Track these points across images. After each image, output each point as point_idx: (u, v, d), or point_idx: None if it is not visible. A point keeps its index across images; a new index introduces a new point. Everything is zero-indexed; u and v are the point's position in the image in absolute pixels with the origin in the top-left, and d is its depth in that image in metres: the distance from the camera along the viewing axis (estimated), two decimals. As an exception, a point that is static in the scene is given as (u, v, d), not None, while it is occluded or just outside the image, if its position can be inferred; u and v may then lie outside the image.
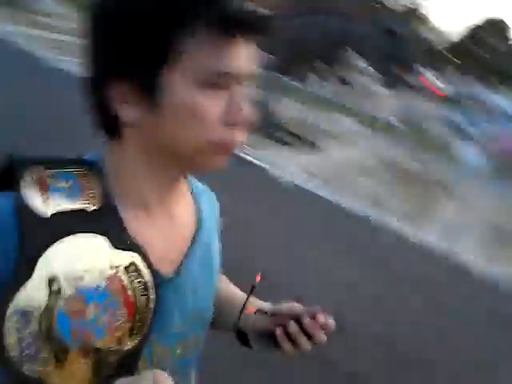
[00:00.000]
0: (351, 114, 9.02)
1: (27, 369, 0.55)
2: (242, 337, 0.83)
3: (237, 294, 0.92)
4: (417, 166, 8.22)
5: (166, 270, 0.68)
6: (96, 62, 0.61)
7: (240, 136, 0.63)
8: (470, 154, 6.33)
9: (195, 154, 0.62)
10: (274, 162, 6.24)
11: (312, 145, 7.57)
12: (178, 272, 0.70)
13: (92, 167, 0.65)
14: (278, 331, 0.76)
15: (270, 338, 0.78)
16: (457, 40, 43.45)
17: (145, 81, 0.58)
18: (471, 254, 5.00)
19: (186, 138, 0.60)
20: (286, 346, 0.76)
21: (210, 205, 0.83)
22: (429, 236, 5.24)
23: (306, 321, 0.74)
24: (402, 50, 9.68)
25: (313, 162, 6.78)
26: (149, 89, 0.58)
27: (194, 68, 0.57)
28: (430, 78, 25.20)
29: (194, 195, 0.79)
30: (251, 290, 0.77)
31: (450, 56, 39.88)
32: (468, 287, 4.27)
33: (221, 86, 0.59)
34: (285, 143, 7.37)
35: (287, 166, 6.30)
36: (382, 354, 2.99)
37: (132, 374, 0.63)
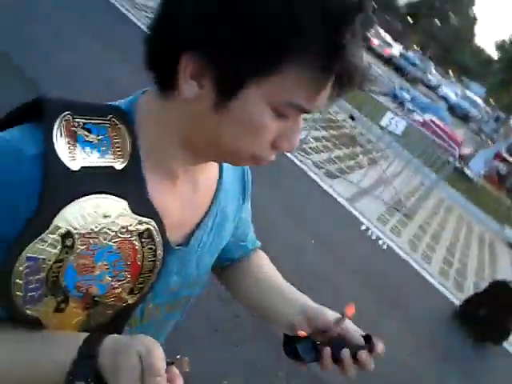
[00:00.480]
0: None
1: (29, 309, 0.57)
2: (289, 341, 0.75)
3: (285, 288, 0.86)
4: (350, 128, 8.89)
5: (177, 237, 0.69)
6: (185, 26, 0.54)
7: (275, 156, 0.64)
8: (394, 123, 6.96)
9: (233, 158, 0.63)
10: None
11: None
12: (187, 241, 0.71)
13: (125, 119, 0.62)
14: (327, 356, 0.71)
15: (312, 349, 0.72)
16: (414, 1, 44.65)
17: (231, 79, 0.55)
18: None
19: (237, 145, 0.60)
20: (329, 365, 0.72)
21: (235, 170, 0.82)
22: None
23: (364, 355, 0.71)
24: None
25: None
26: (229, 88, 0.55)
27: (277, 92, 0.55)
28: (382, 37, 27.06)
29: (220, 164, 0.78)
30: (339, 320, 0.72)
31: (404, 15, 41.35)
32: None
33: (287, 116, 0.58)
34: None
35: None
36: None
37: (123, 326, 0.67)
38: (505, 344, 4.89)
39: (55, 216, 0.54)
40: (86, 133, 0.58)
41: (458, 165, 10.50)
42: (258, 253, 0.98)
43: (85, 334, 0.57)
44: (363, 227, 5.49)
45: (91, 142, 0.58)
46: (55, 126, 0.56)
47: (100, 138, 0.59)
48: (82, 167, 0.56)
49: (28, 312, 0.57)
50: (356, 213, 5.69)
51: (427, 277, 5.42)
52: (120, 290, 0.62)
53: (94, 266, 0.59)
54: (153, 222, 0.62)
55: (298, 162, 5.87)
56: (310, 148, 6.59)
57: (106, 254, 0.59)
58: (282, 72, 0.54)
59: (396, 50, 29.19)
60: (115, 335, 0.57)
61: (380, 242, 5.43)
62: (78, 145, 0.57)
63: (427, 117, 12.87)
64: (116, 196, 0.59)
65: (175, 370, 0.54)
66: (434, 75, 33.72)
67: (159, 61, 0.59)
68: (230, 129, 0.58)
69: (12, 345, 0.59)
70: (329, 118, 8.62)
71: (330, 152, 6.96)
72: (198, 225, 0.73)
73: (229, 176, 0.80)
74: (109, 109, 0.62)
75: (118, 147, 0.60)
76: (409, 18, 40.87)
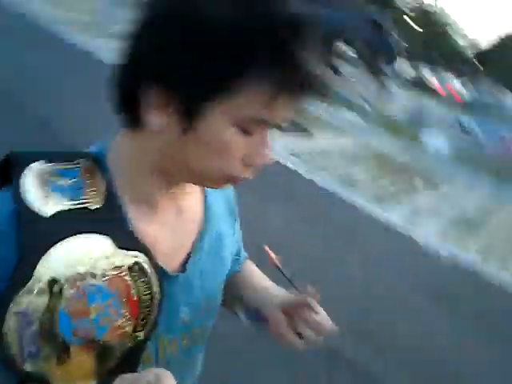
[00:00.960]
0: (341, 104, 9.50)
1: (29, 366, 0.55)
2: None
3: (261, 284, 0.89)
4: (399, 156, 8.81)
5: (173, 266, 0.69)
6: (140, 61, 0.57)
7: (251, 174, 0.63)
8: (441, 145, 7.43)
9: (207, 181, 0.64)
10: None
11: (305, 130, 7.89)
12: (184, 268, 0.70)
13: (96, 161, 0.63)
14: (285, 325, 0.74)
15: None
16: (486, 48, 44.73)
17: (193, 102, 0.56)
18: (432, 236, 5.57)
19: (206, 167, 0.60)
20: (291, 337, 0.74)
21: (221, 191, 0.81)
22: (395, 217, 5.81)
23: (311, 319, 0.72)
24: (385, 41, 10.67)
25: (300, 145, 7.24)
26: (191, 112, 0.56)
27: (237, 109, 0.56)
28: (453, 82, 26.86)
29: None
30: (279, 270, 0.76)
31: (476, 63, 41.22)
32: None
33: (254, 131, 0.59)
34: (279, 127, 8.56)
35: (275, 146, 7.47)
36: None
37: (136, 367, 0.63)
38: None
39: (36, 264, 0.54)
40: (58, 178, 0.59)
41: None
42: (247, 261, 0.99)
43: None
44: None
45: (63, 186, 0.59)
46: (24, 179, 0.57)
47: (72, 181, 0.60)
48: (56, 212, 0.56)
49: (30, 370, 0.55)
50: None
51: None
52: (122, 329, 0.60)
53: (88, 308, 0.57)
54: (141, 254, 0.61)
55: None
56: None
57: (99, 295, 0.58)
58: (237, 89, 0.55)
59: (470, 94, 28.72)
60: (125, 374, 0.57)
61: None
62: (50, 191, 0.57)
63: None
64: (97, 234, 0.58)
65: None
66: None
67: (123, 99, 0.60)
68: (199, 152, 0.59)
69: None
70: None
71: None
72: (193, 249, 0.72)
73: (215, 195, 0.80)
74: (78, 153, 0.64)
75: (91, 187, 0.61)
76: (479, 64, 40.39)
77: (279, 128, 0.61)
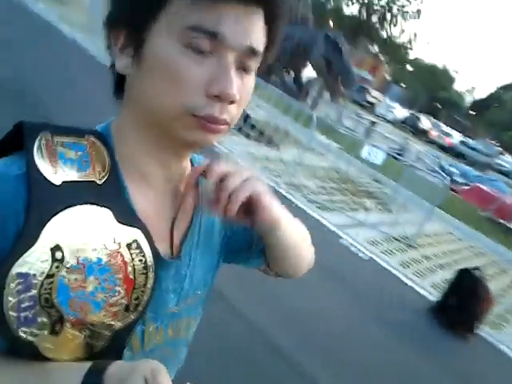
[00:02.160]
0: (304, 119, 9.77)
1: (23, 331, 0.55)
2: None
3: None
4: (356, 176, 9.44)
5: (166, 250, 0.68)
6: (109, 9, 0.61)
7: (223, 113, 0.59)
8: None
9: (173, 122, 0.60)
10: (233, 149, 7.35)
11: (271, 142, 8.53)
12: (177, 253, 0.70)
13: (101, 138, 0.64)
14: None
15: None
16: (482, 97, 46.08)
17: (132, 29, 0.58)
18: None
19: (162, 98, 0.59)
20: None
21: None
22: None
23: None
24: (344, 64, 11.20)
25: (265, 154, 7.87)
26: (135, 38, 0.58)
27: (176, 22, 0.55)
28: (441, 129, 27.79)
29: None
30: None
31: (470, 112, 42.47)
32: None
33: (209, 53, 0.57)
34: (249, 136, 8.32)
35: (241, 153, 7.39)
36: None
37: (123, 350, 0.64)
38: (482, 333, 4.90)
39: (42, 229, 0.55)
40: (66, 150, 0.60)
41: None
42: None
43: (88, 364, 0.56)
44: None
45: (71, 158, 0.60)
46: (35, 146, 0.58)
47: (79, 154, 0.61)
48: (63, 182, 0.57)
49: (23, 335, 0.56)
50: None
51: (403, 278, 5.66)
52: (116, 308, 0.61)
53: (86, 280, 0.58)
54: (139, 232, 0.62)
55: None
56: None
57: (97, 268, 0.58)
58: (164, 9, 0.55)
59: (457, 139, 29.77)
60: (120, 361, 0.57)
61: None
62: (59, 161, 0.59)
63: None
64: (100, 206, 0.59)
65: None
66: (508, 162, 32.99)
67: (112, 69, 0.63)
68: (154, 82, 0.58)
69: (14, 377, 0.58)
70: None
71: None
72: (185, 236, 0.72)
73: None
74: (85, 130, 0.64)
75: (97, 162, 0.62)
76: (473, 112, 41.53)
77: (238, 50, 0.57)
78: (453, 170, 16.17)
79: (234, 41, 0.57)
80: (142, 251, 0.62)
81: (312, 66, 12.27)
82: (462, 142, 28.91)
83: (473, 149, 27.76)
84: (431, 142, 27.84)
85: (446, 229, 9.22)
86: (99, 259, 0.59)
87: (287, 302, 3.85)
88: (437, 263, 6.91)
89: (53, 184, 0.57)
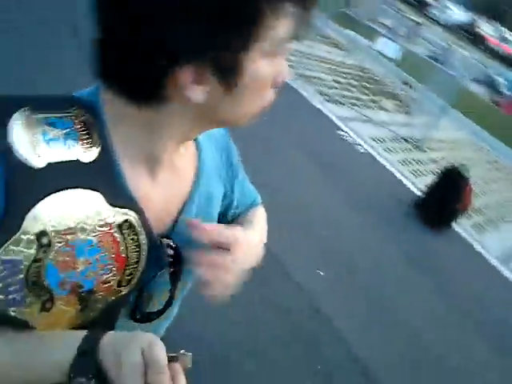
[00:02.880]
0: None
1: (14, 311, 0.55)
2: None
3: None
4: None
5: (162, 227, 0.68)
6: (160, 47, 0.52)
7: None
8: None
9: (245, 120, 0.63)
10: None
11: None
12: (172, 230, 0.70)
13: (90, 110, 0.60)
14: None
15: None
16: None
17: (229, 63, 0.54)
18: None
19: (250, 108, 0.60)
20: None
21: (216, 150, 0.80)
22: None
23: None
24: None
25: None
26: (232, 71, 0.55)
27: (272, 38, 0.55)
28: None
29: (197, 141, 0.75)
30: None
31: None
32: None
33: (278, 54, 0.58)
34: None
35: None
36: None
37: (115, 320, 0.66)
38: (458, 229, 5.06)
39: (25, 216, 0.53)
40: (50, 128, 0.56)
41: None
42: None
43: (83, 332, 0.56)
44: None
45: (56, 136, 0.56)
46: (13, 125, 0.54)
47: (66, 131, 0.57)
48: (48, 163, 0.54)
49: (13, 314, 0.56)
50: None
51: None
52: (107, 283, 0.61)
53: (76, 261, 0.57)
54: (132, 213, 0.61)
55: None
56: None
57: (87, 249, 0.58)
58: (261, 27, 0.53)
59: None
60: (115, 332, 0.57)
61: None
62: (42, 141, 0.55)
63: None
64: (88, 189, 0.57)
65: (178, 366, 0.53)
66: None
67: (142, 76, 0.54)
68: (245, 99, 0.59)
69: (8, 346, 0.58)
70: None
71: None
72: (181, 212, 0.71)
73: (210, 153, 0.77)
74: (70, 100, 0.60)
75: (85, 139, 0.58)
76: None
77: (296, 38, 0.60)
78: (501, 80, 15.16)
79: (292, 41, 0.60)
80: (134, 230, 0.61)
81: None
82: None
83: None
84: (489, 50, 25.58)
85: (469, 138, 9.00)
86: (89, 241, 0.58)
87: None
88: (441, 166, 6.92)
89: (34, 168, 0.54)
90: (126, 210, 0.60)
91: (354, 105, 7.22)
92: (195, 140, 0.74)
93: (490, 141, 9.33)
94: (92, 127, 0.59)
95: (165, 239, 0.67)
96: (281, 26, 0.55)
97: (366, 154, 5.88)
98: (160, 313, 0.72)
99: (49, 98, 0.60)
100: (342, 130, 6.07)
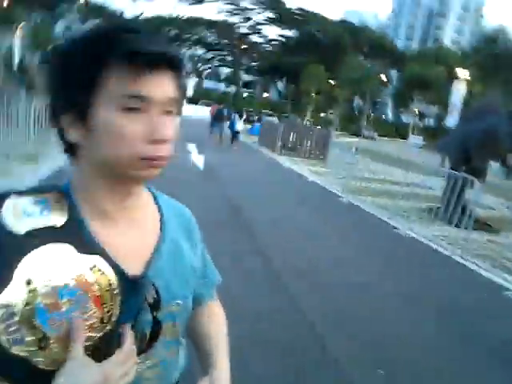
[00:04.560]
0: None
1: (16, 350, 0.70)
2: None
3: (212, 339, 1.02)
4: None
5: (135, 267, 0.81)
6: (51, 99, 0.79)
7: (163, 151, 0.76)
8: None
9: (127, 169, 0.76)
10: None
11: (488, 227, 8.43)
12: (147, 268, 0.83)
13: (61, 189, 0.80)
14: None
15: None
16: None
17: (78, 112, 0.74)
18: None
19: (113, 154, 0.75)
20: None
21: (178, 216, 0.96)
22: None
23: None
24: None
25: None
26: (82, 118, 0.74)
27: (113, 95, 0.72)
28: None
29: (158, 205, 0.92)
30: None
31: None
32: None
33: (141, 110, 0.74)
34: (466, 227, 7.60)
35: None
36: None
37: (111, 352, 0.76)
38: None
39: (14, 270, 0.70)
40: (29, 205, 0.76)
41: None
42: (212, 307, 1.10)
43: None
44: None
45: (34, 211, 0.75)
46: (3, 210, 0.74)
47: (41, 207, 0.76)
48: (28, 231, 0.73)
49: (15, 353, 0.70)
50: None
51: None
52: (91, 320, 0.74)
53: (59, 303, 0.71)
54: (98, 257, 0.76)
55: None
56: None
57: (66, 291, 0.72)
58: (102, 84, 0.72)
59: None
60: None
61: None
62: (22, 216, 0.74)
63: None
64: (62, 243, 0.74)
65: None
66: None
67: (59, 134, 0.79)
68: (105, 144, 0.74)
69: None
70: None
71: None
72: (153, 254, 0.85)
73: (170, 216, 0.93)
74: (48, 187, 0.81)
75: (57, 209, 0.77)
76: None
77: (161, 103, 0.75)
78: None
79: (158, 98, 0.74)
80: (103, 272, 0.75)
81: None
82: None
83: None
84: None
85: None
86: (66, 284, 0.72)
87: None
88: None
89: (19, 235, 0.72)
90: (94, 255, 0.76)
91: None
92: (156, 203, 0.92)
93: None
94: (61, 201, 0.78)
95: (143, 280, 0.81)
96: (115, 84, 0.72)
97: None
98: (146, 345, 0.83)
99: (33, 188, 0.80)
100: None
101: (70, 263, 0.74)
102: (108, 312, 0.76)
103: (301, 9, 60.97)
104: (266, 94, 65.90)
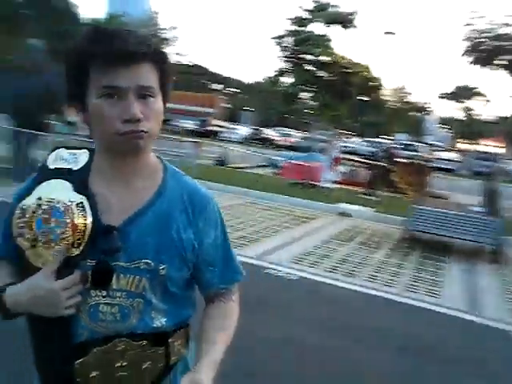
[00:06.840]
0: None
1: (19, 240, 1.01)
2: None
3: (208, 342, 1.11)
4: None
5: (114, 219, 1.03)
6: (66, 95, 1.05)
7: (139, 126, 0.98)
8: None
9: (112, 143, 1.01)
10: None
11: None
12: (124, 223, 1.04)
13: (92, 150, 1.12)
14: None
15: None
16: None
17: (79, 101, 1.02)
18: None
19: (101, 131, 1.00)
20: None
21: (188, 194, 1.13)
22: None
23: None
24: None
25: None
26: (82, 106, 1.02)
27: (96, 86, 0.97)
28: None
29: (165, 179, 1.12)
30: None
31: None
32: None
33: (117, 97, 0.97)
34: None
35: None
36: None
37: (74, 268, 1.01)
38: None
39: (35, 188, 1.04)
40: (65, 154, 1.11)
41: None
42: (221, 304, 1.21)
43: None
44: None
45: (66, 158, 1.09)
46: (51, 154, 1.10)
47: (72, 157, 1.10)
48: (55, 168, 1.07)
49: (18, 243, 1.01)
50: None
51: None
52: (65, 241, 1.00)
53: (50, 219, 1.00)
54: (85, 199, 1.02)
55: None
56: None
57: (57, 213, 1.00)
58: (89, 79, 0.98)
59: (298, 137, 34.29)
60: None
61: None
62: (58, 159, 1.09)
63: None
64: (67, 181, 1.04)
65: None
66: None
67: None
68: (94, 124, 1.02)
69: None
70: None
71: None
72: (134, 215, 1.06)
73: (173, 191, 1.12)
74: (86, 147, 1.13)
75: (81, 160, 1.10)
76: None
77: (128, 89, 0.97)
78: (277, 158, 17.42)
79: (128, 86, 0.97)
80: (84, 211, 1.02)
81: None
82: (304, 138, 32.70)
83: (312, 140, 31.37)
84: (278, 146, 31.34)
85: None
86: (58, 208, 1.01)
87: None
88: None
89: (49, 168, 1.07)
90: (83, 196, 1.03)
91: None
92: (164, 177, 1.13)
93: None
94: (87, 156, 1.12)
95: (116, 231, 1.02)
96: (96, 78, 0.98)
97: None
98: (100, 284, 1.03)
99: (76, 147, 1.16)
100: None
101: (66, 195, 1.03)
102: (78, 240, 1.00)
103: None
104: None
